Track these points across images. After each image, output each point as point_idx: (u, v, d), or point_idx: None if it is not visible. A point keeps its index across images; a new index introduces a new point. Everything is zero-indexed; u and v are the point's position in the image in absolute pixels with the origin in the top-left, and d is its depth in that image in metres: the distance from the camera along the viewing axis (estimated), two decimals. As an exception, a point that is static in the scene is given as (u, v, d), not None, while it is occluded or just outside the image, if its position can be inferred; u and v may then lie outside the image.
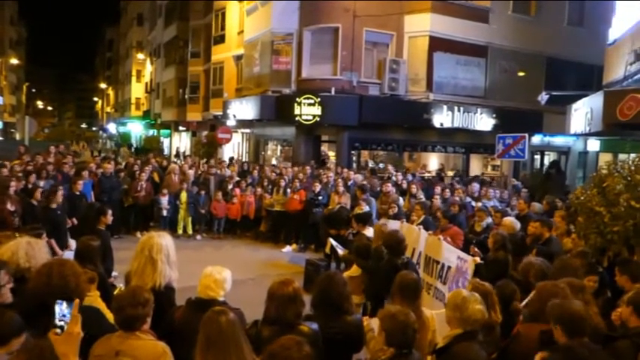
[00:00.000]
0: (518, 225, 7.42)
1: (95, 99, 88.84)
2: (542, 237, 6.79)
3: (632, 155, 6.29)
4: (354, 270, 6.48)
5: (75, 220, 9.42)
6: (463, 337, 3.42)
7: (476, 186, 13.03)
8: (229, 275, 3.87)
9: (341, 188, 12.14)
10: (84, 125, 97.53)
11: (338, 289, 3.83)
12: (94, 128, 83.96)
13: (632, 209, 5.28)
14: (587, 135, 15.76)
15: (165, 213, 13.23)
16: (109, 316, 3.87)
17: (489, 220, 8.50)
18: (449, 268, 6.49)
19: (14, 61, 57.78)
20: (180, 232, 13.39)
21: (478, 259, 5.92)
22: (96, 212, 7.42)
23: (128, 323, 3.09)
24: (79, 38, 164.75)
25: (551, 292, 3.61)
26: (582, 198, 5.88)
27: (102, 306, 4.01)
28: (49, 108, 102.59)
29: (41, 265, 3.37)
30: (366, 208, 8.98)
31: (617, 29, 11.59)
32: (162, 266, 4.06)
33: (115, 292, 4.93)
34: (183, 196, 13.40)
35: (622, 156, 15.92)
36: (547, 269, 4.73)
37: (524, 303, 4.32)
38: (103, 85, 74.70)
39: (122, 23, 61.71)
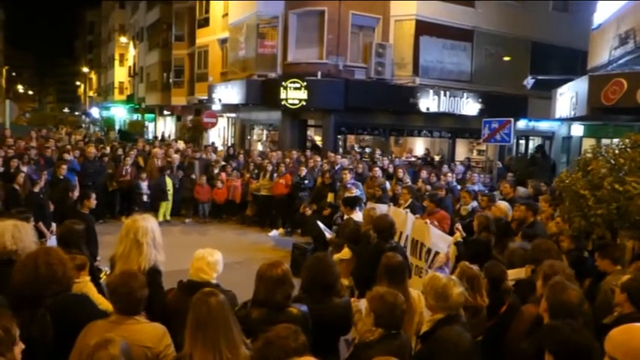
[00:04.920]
0: (510, 210, 7.45)
1: (77, 83, 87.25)
2: (527, 221, 6.86)
3: (616, 140, 6.34)
4: (345, 252, 6.49)
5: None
6: (446, 321, 3.44)
7: (460, 168, 13.09)
8: (221, 258, 3.86)
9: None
10: (66, 110, 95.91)
11: (329, 270, 3.83)
12: (76, 113, 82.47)
13: (615, 192, 5.30)
14: (571, 119, 15.89)
15: (145, 198, 13.07)
16: (100, 301, 3.84)
17: (474, 203, 8.55)
18: (437, 253, 6.51)
19: (-7, 44, 56.63)
20: (167, 217, 13.35)
21: (459, 236, 5.99)
22: (79, 196, 7.37)
23: (132, 308, 3.07)
24: (58, 21, 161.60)
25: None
26: (567, 181, 5.91)
27: (92, 291, 3.97)
28: (30, 92, 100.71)
29: (25, 257, 3.30)
30: (356, 192, 8.98)
31: (601, 14, 11.62)
32: (148, 249, 4.00)
33: (101, 276, 4.90)
34: (169, 182, 13.30)
35: (605, 141, 16.08)
36: (525, 251, 4.91)
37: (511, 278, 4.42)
38: (85, 69, 73.19)
39: (103, 6, 60.40)
